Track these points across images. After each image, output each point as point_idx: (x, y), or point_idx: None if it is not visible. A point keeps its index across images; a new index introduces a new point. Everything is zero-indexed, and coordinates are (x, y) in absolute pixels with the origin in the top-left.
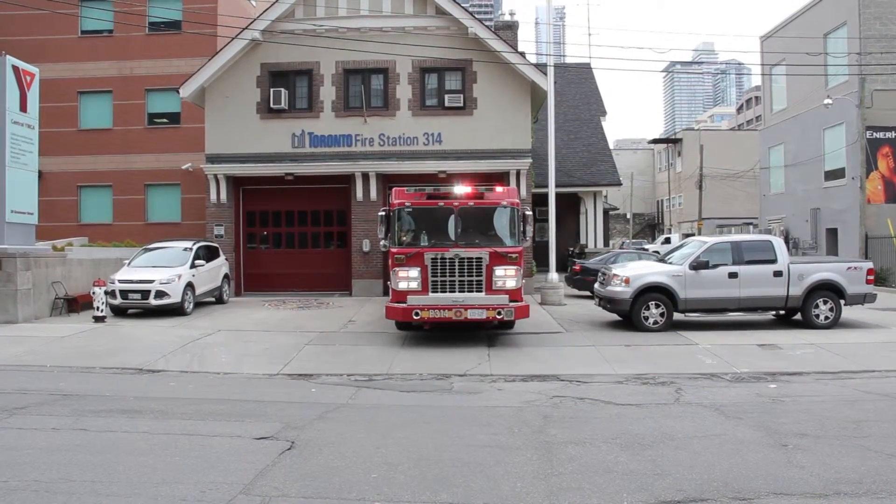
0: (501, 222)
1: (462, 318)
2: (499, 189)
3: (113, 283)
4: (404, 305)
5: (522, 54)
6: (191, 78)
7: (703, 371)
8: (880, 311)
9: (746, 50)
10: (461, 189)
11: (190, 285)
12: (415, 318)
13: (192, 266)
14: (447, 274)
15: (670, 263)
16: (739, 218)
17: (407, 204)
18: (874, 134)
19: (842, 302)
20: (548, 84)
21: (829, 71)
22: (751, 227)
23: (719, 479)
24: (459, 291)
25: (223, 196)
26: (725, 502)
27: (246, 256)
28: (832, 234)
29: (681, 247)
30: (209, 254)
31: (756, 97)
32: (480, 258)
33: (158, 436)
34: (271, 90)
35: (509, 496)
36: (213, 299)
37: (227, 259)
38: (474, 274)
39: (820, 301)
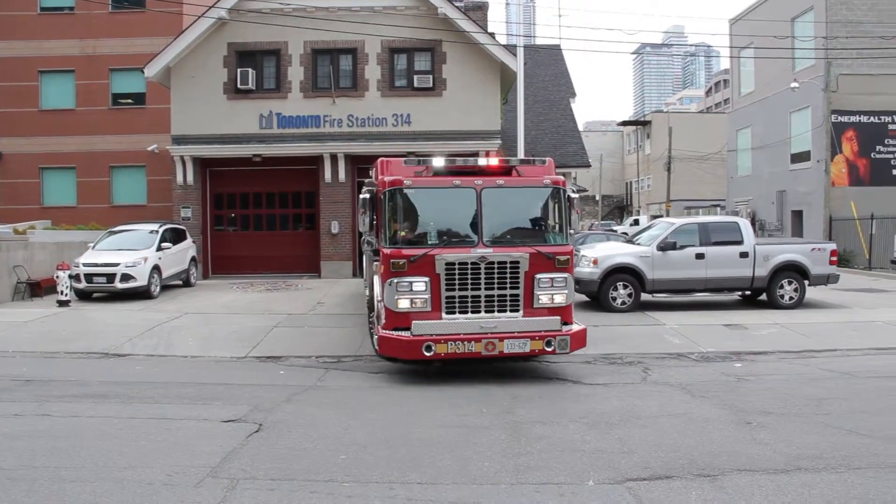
0: (543, 210)
1: (495, 353)
2: (535, 162)
3: (77, 266)
4: (408, 336)
5: (492, 35)
6: (156, 57)
7: (670, 351)
8: (843, 292)
9: (716, 33)
10: (485, 161)
11: (156, 268)
12: (426, 354)
13: (159, 249)
14: (469, 286)
15: (638, 245)
16: (707, 200)
17: (406, 182)
18: (839, 118)
19: (806, 282)
20: (517, 65)
21: (796, 55)
22: (718, 209)
23: (685, 457)
24: (487, 311)
25: (190, 178)
26: (691, 479)
27: (213, 239)
28: (797, 216)
29: (649, 228)
30: (176, 236)
31: (724, 80)
32: (517, 263)
33: (124, 420)
34: (238, 70)
35: (477, 476)
36: (180, 282)
37: (194, 241)
38: (508, 286)
39: (785, 282)
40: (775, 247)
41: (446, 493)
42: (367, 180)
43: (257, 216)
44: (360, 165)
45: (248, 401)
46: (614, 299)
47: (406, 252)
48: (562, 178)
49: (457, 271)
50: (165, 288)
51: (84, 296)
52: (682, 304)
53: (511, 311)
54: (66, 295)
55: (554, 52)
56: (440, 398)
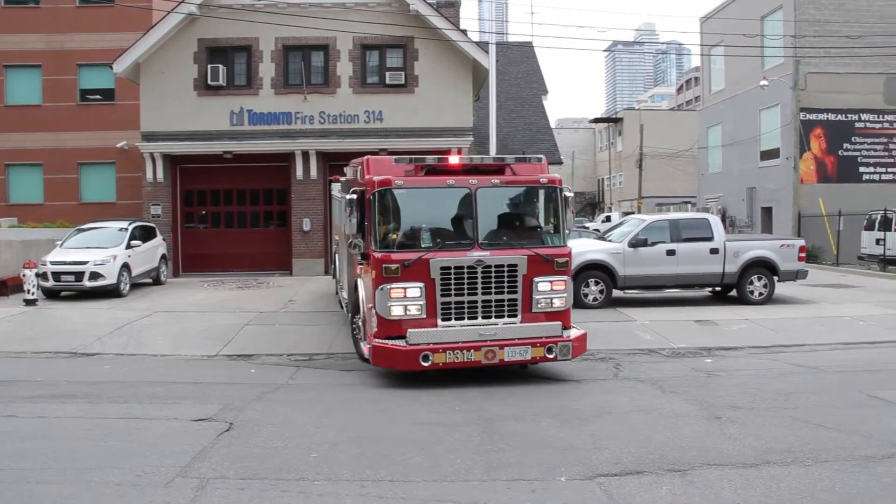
0: (540, 210)
1: (496, 361)
2: (531, 160)
3: (44, 264)
4: (403, 345)
5: (464, 32)
6: (125, 53)
7: (641, 347)
8: (811, 287)
9: (687, 31)
10: (479, 160)
11: (126, 266)
12: (424, 364)
13: (128, 246)
14: (465, 291)
15: (610, 241)
16: (678, 197)
17: (397, 183)
18: (808, 115)
19: (775, 278)
20: (489, 62)
21: (766, 53)
22: (689, 205)
23: (655, 452)
24: (485, 317)
25: (160, 175)
26: (661, 474)
27: (184, 236)
28: (767, 212)
29: (620, 225)
30: (146, 234)
31: (695, 78)
32: (515, 266)
33: (92, 420)
34: (209, 66)
35: (449, 473)
36: (150, 280)
37: (164, 239)
38: (506, 290)
39: (754, 277)
40: (745, 243)
41: (418, 491)
42: (342, 178)
43: (228, 213)
44: (332, 163)
45: (218, 400)
46: (586, 296)
47: (399, 256)
48: (558, 176)
49: (453, 276)
50: (135, 286)
51: (52, 295)
52: (654, 301)
53: (509, 316)
54: (32, 294)
55: (526, 50)
56: (412, 395)
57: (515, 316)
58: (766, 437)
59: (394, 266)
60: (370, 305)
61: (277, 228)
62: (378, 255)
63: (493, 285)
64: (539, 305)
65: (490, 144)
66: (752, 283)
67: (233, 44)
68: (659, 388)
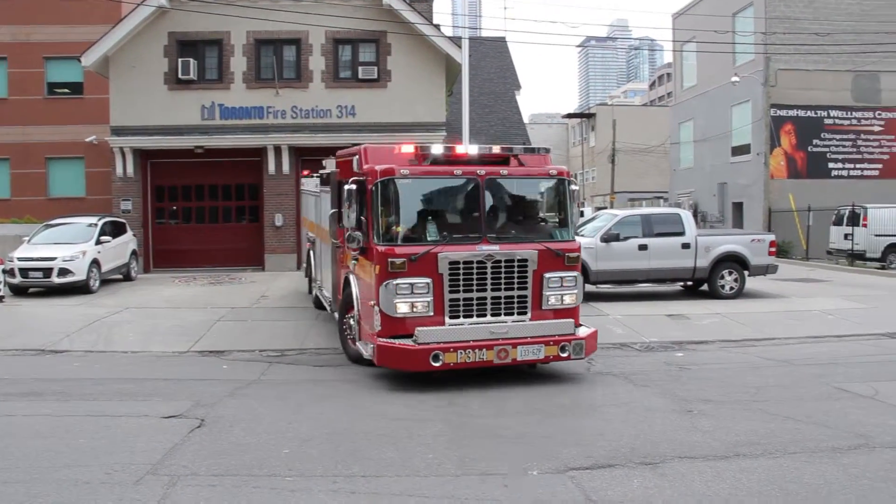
0: (549, 203)
1: (508, 361)
2: (538, 151)
3: (12, 260)
4: (412, 345)
5: (437, 27)
6: (93, 46)
7: (613, 341)
8: (781, 282)
9: (659, 27)
10: (486, 149)
11: (95, 262)
12: (434, 364)
13: (98, 242)
14: (475, 288)
15: (582, 236)
16: (651, 192)
17: (402, 172)
18: (778, 112)
19: (746, 273)
20: (462, 57)
21: (737, 49)
22: (661, 200)
23: (627, 445)
24: (494, 314)
25: (130, 170)
26: (633, 467)
27: (155, 232)
28: (738, 207)
29: (593, 220)
30: (116, 229)
31: (668, 74)
32: (525, 261)
33: (61, 418)
34: (179, 60)
35: (421, 468)
36: (120, 276)
37: (135, 235)
38: (516, 286)
39: (725, 272)
40: (716, 238)
41: (390, 486)
42: (322, 171)
43: (200, 209)
44: (305, 157)
45: (189, 396)
46: None
47: (404, 250)
48: (565, 168)
49: (461, 271)
50: (105, 282)
51: (19, 291)
52: (626, 295)
53: (518, 313)
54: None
55: (499, 45)
56: (384, 391)
57: (525, 313)
58: (737, 429)
59: (400, 260)
60: (372, 302)
61: (249, 224)
62: (381, 248)
63: (502, 281)
64: (549, 302)
65: (463, 139)
66: (723, 277)
67: (204, 37)
68: (631, 382)
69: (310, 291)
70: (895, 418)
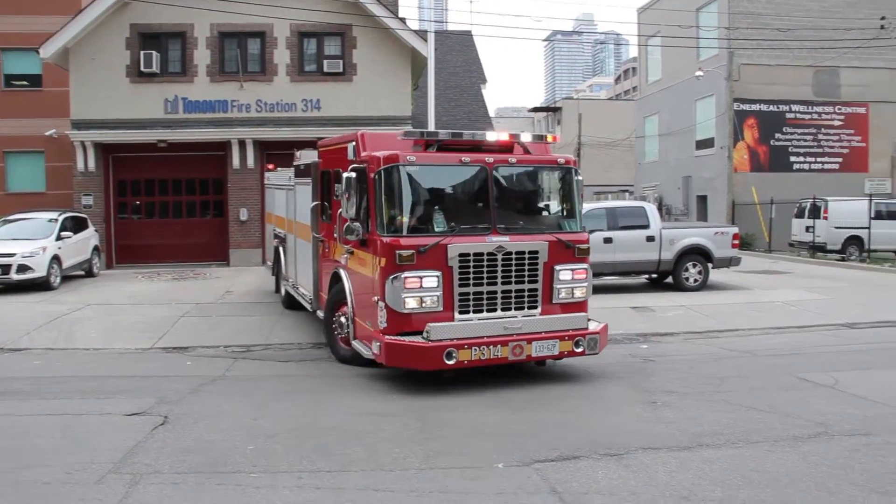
0: (556, 192)
1: (523, 358)
2: (546, 138)
3: None
4: (423, 342)
5: (403, 20)
6: (52, 37)
7: None
8: (745, 274)
9: (624, 21)
10: (494, 135)
11: (56, 258)
12: (448, 363)
13: (59, 238)
14: (485, 281)
15: None
16: (616, 185)
17: (409, 159)
18: (741, 106)
19: (710, 265)
20: (428, 51)
21: (701, 44)
22: (626, 194)
23: (592, 437)
24: (504, 309)
25: (91, 164)
26: (597, 458)
27: (117, 227)
28: (702, 200)
29: None
30: (77, 225)
31: (633, 68)
32: (536, 253)
33: (21, 417)
34: (142, 53)
35: (387, 462)
36: (82, 273)
37: (96, 230)
38: (527, 279)
39: (690, 265)
40: (680, 231)
41: (355, 481)
42: (298, 164)
43: (163, 203)
44: (270, 151)
45: (153, 393)
46: None
47: (411, 241)
48: (573, 157)
49: (471, 263)
50: (66, 279)
51: None
52: (591, 288)
53: (529, 308)
54: None
55: (465, 38)
56: (349, 385)
57: (535, 308)
58: (700, 420)
59: (408, 252)
60: (375, 298)
61: (214, 218)
62: (386, 240)
63: (513, 274)
64: (560, 296)
65: None
66: (687, 270)
67: (166, 30)
68: (595, 374)
69: (277, 290)
70: (854, 407)
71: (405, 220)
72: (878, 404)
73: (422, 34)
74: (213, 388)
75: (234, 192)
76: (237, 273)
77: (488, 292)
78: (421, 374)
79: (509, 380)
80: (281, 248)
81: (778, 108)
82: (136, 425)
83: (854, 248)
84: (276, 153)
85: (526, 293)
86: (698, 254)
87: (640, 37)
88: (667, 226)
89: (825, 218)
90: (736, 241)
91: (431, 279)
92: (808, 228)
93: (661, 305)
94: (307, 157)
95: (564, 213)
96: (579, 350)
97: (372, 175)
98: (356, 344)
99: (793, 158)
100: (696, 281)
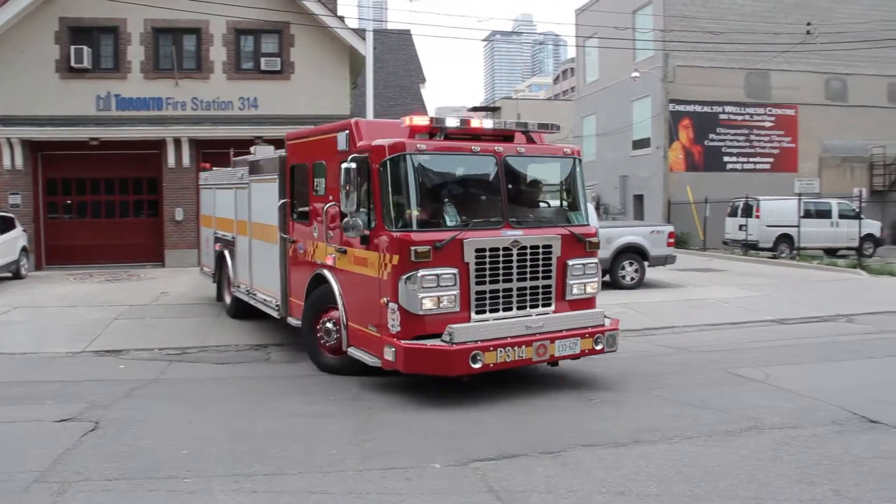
0: (563, 184)
1: (546, 358)
2: (551, 126)
3: None
4: (446, 346)
5: (342, 18)
6: None
7: None
8: (680, 272)
9: (563, 22)
10: (500, 123)
11: None
12: (474, 366)
13: None
14: (500, 278)
15: None
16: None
17: (420, 147)
18: (676, 107)
19: (646, 263)
20: (367, 50)
21: (637, 46)
22: None
23: (530, 436)
24: (519, 307)
25: (18, 162)
26: (536, 457)
27: (47, 227)
28: (639, 199)
29: None
30: (3, 225)
31: (571, 69)
32: (550, 247)
33: None
34: (72, 47)
35: (324, 464)
36: (9, 274)
37: (25, 230)
38: (541, 275)
39: (626, 263)
40: (617, 230)
41: (292, 483)
42: (253, 160)
43: (95, 203)
44: (206, 150)
45: (84, 398)
46: None
47: (424, 237)
48: (577, 147)
49: (487, 259)
50: None
51: None
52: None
53: (543, 305)
54: None
55: (404, 37)
56: (287, 387)
57: (549, 305)
58: (637, 416)
59: (425, 248)
60: (385, 299)
61: (149, 218)
62: (397, 235)
63: (528, 270)
64: (573, 292)
65: None
66: (624, 268)
67: (98, 24)
68: (534, 373)
69: (219, 298)
70: (783, 401)
71: (415, 213)
72: (805, 398)
73: (360, 33)
74: (146, 392)
75: (169, 191)
76: (173, 274)
77: (504, 290)
78: (359, 373)
79: (449, 381)
80: (227, 253)
81: (712, 109)
82: (65, 431)
83: (785, 245)
84: (213, 152)
85: (540, 290)
86: (635, 252)
87: (578, 38)
88: (604, 224)
89: (757, 217)
90: (671, 240)
91: (448, 277)
92: (741, 227)
93: (599, 304)
94: (264, 152)
95: (571, 206)
96: (599, 347)
97: (377, 165)
98: (353, 351)
99: (726, 158)
100: (632, 279)
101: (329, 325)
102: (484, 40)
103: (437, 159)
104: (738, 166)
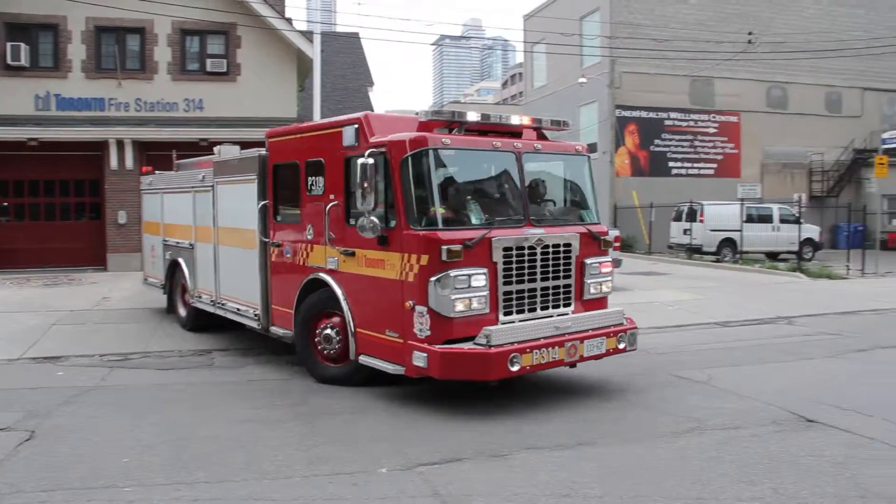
0: (575, 182)
1: (576, 359)
2: (563, 123)
3: None
4: (485, 349)
5: (290, 21)
6: None
7: None
8: (626, 275)
9: (511, 27)
10: (518, 118)
11: None
12: (512, 369)
13: None
14: (525, 278)
15: None
16: None
17: (445, 142)
18: (622, 112)
19: None
20: (314, 52)
21: (584, 52)
22: None
23: (475, 439)
24: (542, 308)
25: None
26: (480, 460)
27: None
28: None
29: None
30: None
31: (519, 73)
32: (569, 246)
33: None
34: (8, 44)
35: (269, 470)
36: None
37: None
38: (561, 274)
39: None
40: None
41: (236, 491)
42: (216, 159)
43: (34, 205)
44: (150, 152)
45: (20, 406)
46: None
47: (457, 235)
48: (586, 144)
49: (514, 259)
50: None
51: None
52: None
53: (564, 305)
54: None
55: (353, 40)
56: (232, 392)
57: (569, 305)
58: (582, 419)
59: (457, 247)
60: (410, 302)
61: (90, 221)
62: (424, 233)
63: (550, 269)
64: (590, 291)
65: None
66: None
67: (37, 21)
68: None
69: (170, 310)
70: (725, 402)
71: (441, 211)
72: (747, 398)
73: (308, 35)
74: (86, 400)
75: (112, 193)
76: (116, 278)
77: (529, 290)
78: (304, 375)
79: (394, 385)
80: (182, 261)
81: (657, 115)
82: None
83: (728, 249)
84: (158, 154)
85: (561, 289)
86: None
87: (526, 43)
88: None
89: (701, 221)
90: (617, 244)
91: (479, 277)
92: (685, 231)
93: None
94: (230, 152)
95: (583, 204)
96: (622, 346)
97: (398, 161)
98: (366, 359)
99: (671, 163)
100: None
101: (329, 332)
102: (433, 44)
103: (462, 155)
104: (683, 171)
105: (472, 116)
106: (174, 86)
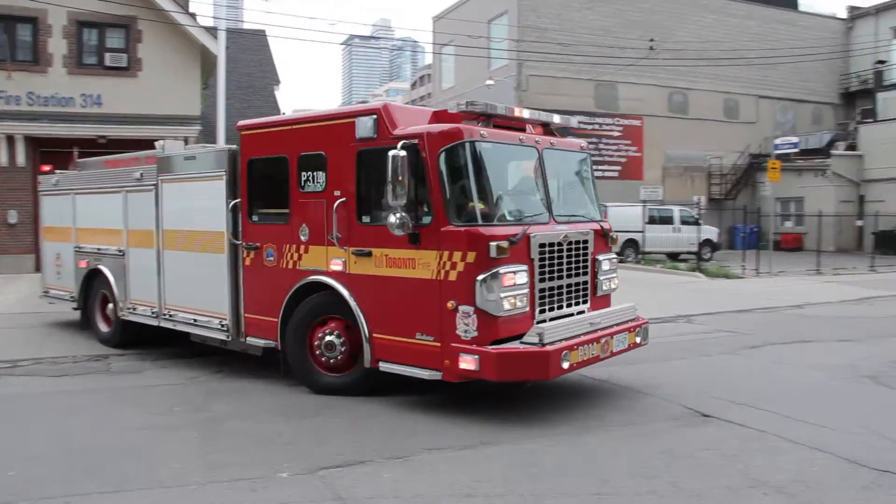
0: (582, 178)
1: (608, 354)
2: (570, 120)
3: None
4: (540, 348)
5: (194, 16)
6: None
7: None
8: None
9: (421, 29)
10: (537, 114)
11: None
12: (563, 367)
13: None
14: (555, 275)
15: None
16: None
17: (482, 134)
18: None
19: None
20: (219, 49)
21: (492, 54)
22: None
23: (378, 441)
24: (568, 305)
25: None
26: (383, 462)
27: None
28: None
29: None
30: None
31: (428, 75)
32: (587, 242)
33: None
34: None
35: (166, 478)
36: None
37: None
38: (581, 271)
39: None
40: None
41: (131, 500)
42: (160, 154)
43: None
44: (44, 149)
45: None
46: None
47: (501, 231)
48: (587, 143)
49: (547, 256)
50: None
51: None
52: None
53: (583, 302)
54: None
55: (259, 38)
56: (129, 399)
57: (586, 301)
58: (484, 419)
59: (505, 244)
60: (452, 303)
61: None
62: (467, 230)
63: (573, 266)
64: (602, 287)
65: (218, 134)
66: None
67: None
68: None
69: (86, 326)
70: (625, 399)
71: (480, 206)
72: (646, 395)
73: (213, 32)
74: None
75: (1, 192)
76: (6, 281)
77: (558, 287)
78: (205, 380)
79: (294, 389)
80: (106, 270)
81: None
82: None
83: (631, 250)
84: (53, 151)
85: (581, 286)
86: None
87: (435, 45)
88: None
89: None
90: None
91: (522, 275)
92: None
93: None
94: (174, 147)
95: (590, 200)
96: (639, 341)
97: (435, 153)
98: (389, 366)
99: None
100: None
101: (332, 339)
102: (342, 44)
103: (496, 149)
104: None
105: (501, 109)
106: (70, 80)
